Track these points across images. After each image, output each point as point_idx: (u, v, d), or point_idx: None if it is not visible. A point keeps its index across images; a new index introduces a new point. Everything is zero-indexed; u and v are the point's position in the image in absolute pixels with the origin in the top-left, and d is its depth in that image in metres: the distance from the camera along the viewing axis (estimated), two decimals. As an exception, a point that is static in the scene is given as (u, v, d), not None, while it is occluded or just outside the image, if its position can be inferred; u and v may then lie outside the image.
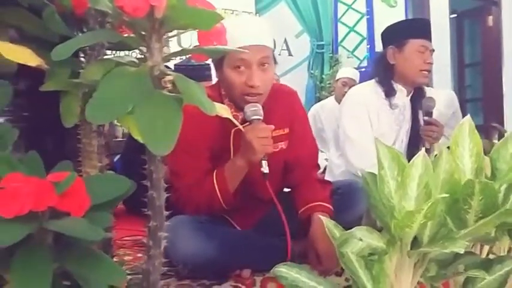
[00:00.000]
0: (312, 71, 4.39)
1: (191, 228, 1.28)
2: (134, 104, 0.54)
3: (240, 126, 1.07)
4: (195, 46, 0.62)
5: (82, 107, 0.71)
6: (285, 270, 0.94)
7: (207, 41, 0.60)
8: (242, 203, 1.41)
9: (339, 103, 3.52)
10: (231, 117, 0.96)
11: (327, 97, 3.80)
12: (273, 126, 1.27)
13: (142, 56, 0.63)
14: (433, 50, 1.89)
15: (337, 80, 3.53)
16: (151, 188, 0.64)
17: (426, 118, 1.84)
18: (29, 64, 0.64)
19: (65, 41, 0.58)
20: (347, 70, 3.57)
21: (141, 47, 0.62)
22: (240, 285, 1.31)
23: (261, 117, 1.26)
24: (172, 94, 0.58)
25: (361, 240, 0.86)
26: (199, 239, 1.27)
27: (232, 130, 1.36)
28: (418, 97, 1.92)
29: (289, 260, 1.29)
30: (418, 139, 1.90)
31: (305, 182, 1.50)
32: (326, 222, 0.95)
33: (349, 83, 3.45)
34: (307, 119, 1.62)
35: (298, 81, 3.94)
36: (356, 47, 4.37)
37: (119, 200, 0.59)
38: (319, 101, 3.67)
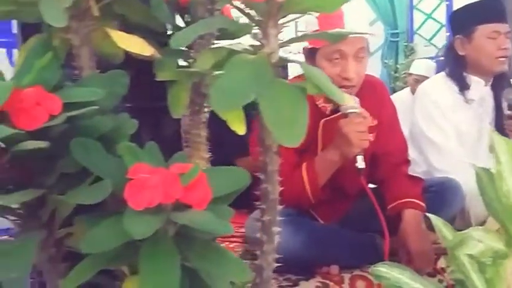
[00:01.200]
0: (386, 61, 4.21)
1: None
2: (256, 93, 0.52)
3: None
4: (315, 30, 0.58)
5: (191, 97, 0.70)
6: (386, 270, 0.88)
7: (328, 25, 0.56)
8: (328, 197, 1.37)
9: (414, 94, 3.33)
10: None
11: (402, 88, 3.63)
12: (370, 120, 1.22)
13: (257, 44, 0.60)
14: (510, 32, 1.63)
15: (410, 74, 3.34)
16: (266, 181, 0.61)
17: (509, 112, 1.62)
18: (143, 54, 0.64)
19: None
20: (420, 65, 3.32)
21: (256, 34, 0.60)
22: (327, 281, 1.27)
23: (358, 110, 1.21)
24: (295, 83, 0.54)
25: (480, 242, 0.79)
26: (287, 232, 1.24)
27: (321, 121, 1.32)
28: (499, 84, 1.67)
29: (384, 258, 1.23)
30: (504, 132, 1.71)
31: (394, 177, 1.43)
32: (435, 221, 0.88)
33: (422, 80, 3.25)
34: (395, 110, 1.54)
35: (371, 72, 3.79)
36: (434, 35, 4.12)
37: (238, 193, 0.57)
38: (393, 92, 3.50)
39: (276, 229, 0.63)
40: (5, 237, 1.84)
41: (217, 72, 0.63)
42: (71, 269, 0.61)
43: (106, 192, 0.48)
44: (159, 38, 0.73)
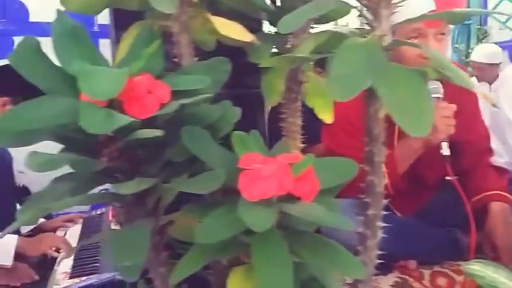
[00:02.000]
0: (457, 45, 3.98)
1: (355, 213, 1.22)
2: (372, 79, 0.48)
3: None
4: (431, 11, 0.54)
5: (288, 84, 0.67)
6: (479, 268, 0.83)
7: (446, 5, 0.52)
8: (405, 188, 1.32)
9: (479, 81, 3.11)
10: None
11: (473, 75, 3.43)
12: (455, 106, 1.15)
13: (364, 27, 0.57)
14: None
15: (472, 61, 3.13)
16: (372, 172, 0.58)
17: None
18: (243, 40, 0.62)
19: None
20: (481, 51, 3.09)
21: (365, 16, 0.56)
22: (406, 277, 1.22)
23: (442, 96, 1.14)
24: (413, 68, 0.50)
25: None
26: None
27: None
28: None
29: (465, 254, 1.16)
30: None
31: (478, 167, 1.35)
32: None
33: (485, 69, 3.00)
34: (476, 97, 1.44)
35: (439, 57, 3.59)
36: (510, 18, 3.85)
37: (342, 185, 0.55)
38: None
39: (380, 224, 0.60)
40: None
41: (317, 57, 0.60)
42: (171, 258, 0.62)
43: (219, 182, 0.47)
44: (251, 24, 0.72)
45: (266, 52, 0.67)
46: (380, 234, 0.60)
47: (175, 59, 0.64)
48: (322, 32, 0.62)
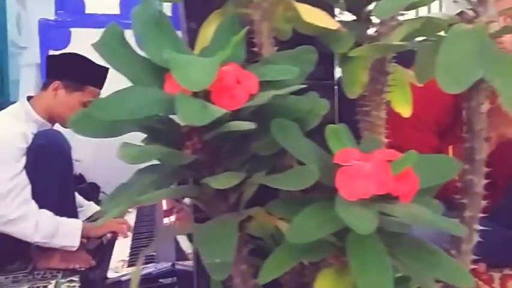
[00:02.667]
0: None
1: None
2: (484, 69, 0.44)
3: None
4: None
5: (373, 75, 0.63)
6: None
7: None
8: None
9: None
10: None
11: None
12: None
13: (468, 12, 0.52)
14: None
15: None
16: (471, 171, 0.54)
17: None
18: (328, 27, 0.58)
19: None
20: None
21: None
22: (476, 280, 1.16)
23: None
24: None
25: None
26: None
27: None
28: None
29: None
30: None
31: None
32: None
33: None
34: None
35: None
36: None
37: (441, 185, 0.51)
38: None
39: (477, 227, 0.55)
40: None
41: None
42: (251, 254, 0.60)
43: (312, 179, 0.44)
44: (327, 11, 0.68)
45: (350, 41, 0.63)
46: (476, 238, 0.56)
47: (255, 49, 0.62)
48: (415, 18, 0.57)
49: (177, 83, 0.50)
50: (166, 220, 1.78)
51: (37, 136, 1.63)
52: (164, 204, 2.01)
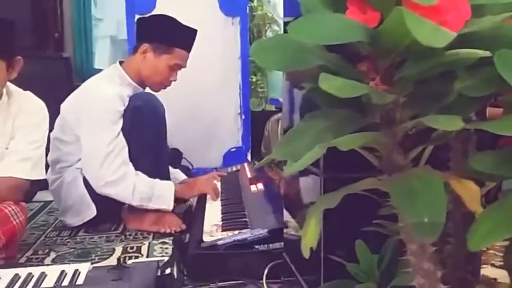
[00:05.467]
0: None
1: None
2: None
3: None
4: None
5: None
6: None
7: None
8: None
9: None
10: None
11: None
12: None
13: None
14: None
15: None
16: None
17: None
18: None
19: None
20: None
21: None
22: None
23: None
24: None
25: None
26: None
27: None
28: None
29: None
30: None
31: None
32: None
33: None
34: None
35: None
36: None
37: None
38: None
39: None
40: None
41: None
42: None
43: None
44: None
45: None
46: None
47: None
48: None
49: (358, 10, 0.43)
50: (253, 188, 1.74)
51: (133, 98, 1.64)
52: (248, 173, 1.98)
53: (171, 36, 1.72)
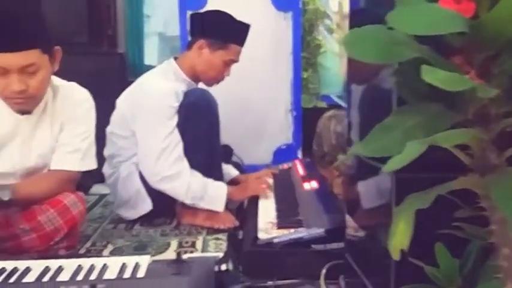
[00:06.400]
0: None
1: None
2: None
3: None
4: None
5: None
6: None
7: None
8: None
9: None
10: None
11: None
12: None
13: None
14: None
15: None
16: None
17: None
18: None
19: None
20: None
21: None
22: None
23: None
24: None
25: None
26: None
27: None
28: None
29: None
30: None
31: None
32: None
33: None
34: None
35: None
36: None
37: None
38: None
39: None
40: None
41: None
42: None
43: None
44: None
45: None
46: None
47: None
48: None
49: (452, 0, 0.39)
50: (306, 186, 1.71)
51: (187, 94, 1.65)
52: (300, 170, 1.95)
53: (227, 32, 1.72)
